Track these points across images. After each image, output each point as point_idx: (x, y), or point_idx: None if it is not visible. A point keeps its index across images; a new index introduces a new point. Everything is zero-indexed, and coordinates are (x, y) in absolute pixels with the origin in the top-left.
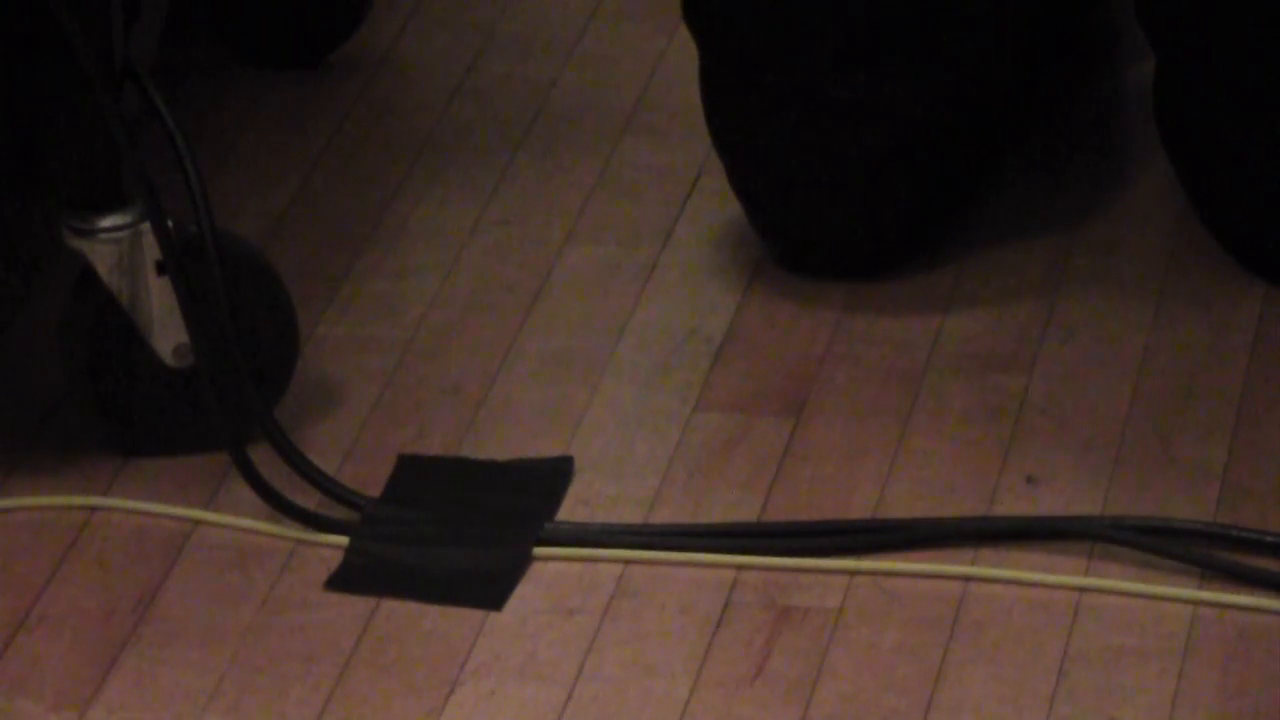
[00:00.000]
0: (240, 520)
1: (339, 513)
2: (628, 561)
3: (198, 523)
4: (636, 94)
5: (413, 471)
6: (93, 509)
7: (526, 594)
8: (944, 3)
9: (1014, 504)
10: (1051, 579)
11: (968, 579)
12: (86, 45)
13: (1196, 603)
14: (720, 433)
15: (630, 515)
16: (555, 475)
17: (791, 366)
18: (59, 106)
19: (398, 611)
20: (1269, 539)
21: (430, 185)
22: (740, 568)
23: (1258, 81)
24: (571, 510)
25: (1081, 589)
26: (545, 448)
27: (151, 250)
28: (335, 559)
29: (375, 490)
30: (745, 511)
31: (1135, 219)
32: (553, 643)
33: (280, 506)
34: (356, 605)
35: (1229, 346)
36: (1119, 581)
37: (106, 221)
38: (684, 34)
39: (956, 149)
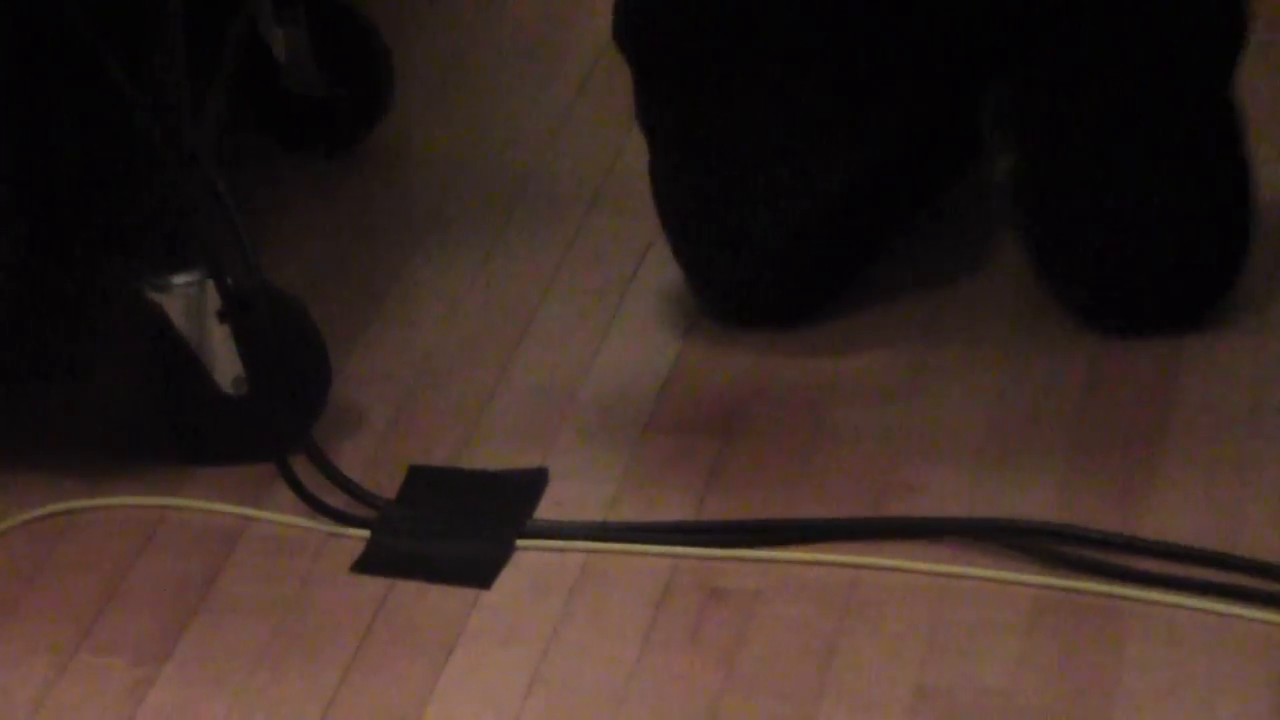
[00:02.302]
0: (283, 517)
1: (361, 511)
2: (591, 552)
3: (249, 519)
4: (600, 179)
5: (420, 479)
6: (166, 508)
7: (510, 577)
8: (854, 107)
9: (897, 507)
10: (926, 566)
11: (859, 567)
12: (167, 144)
13: (1039, 586)
14: (666, 449)
15: (593, 514)
16: (533, 482)
17: (723, 397)
18: (147, 190)
19: (408, 590)
20: (1094, 535)
21: (436, 250)
22: (679, 557)
23: (1095, 181)
24: (546, 510)
25: (949, 575)
26: (526, 460)
27: (214, 302)
28: (358, 548)
29: (390, 493)
30: (684, 512)
31: (994, 283)
32: (530, 615)
33: (315, 506)
34: (375, 585)
35: (1067, 384)
36: (979, 569)
37: (179, 279)
38: (638, 133)
39: (858, 225)
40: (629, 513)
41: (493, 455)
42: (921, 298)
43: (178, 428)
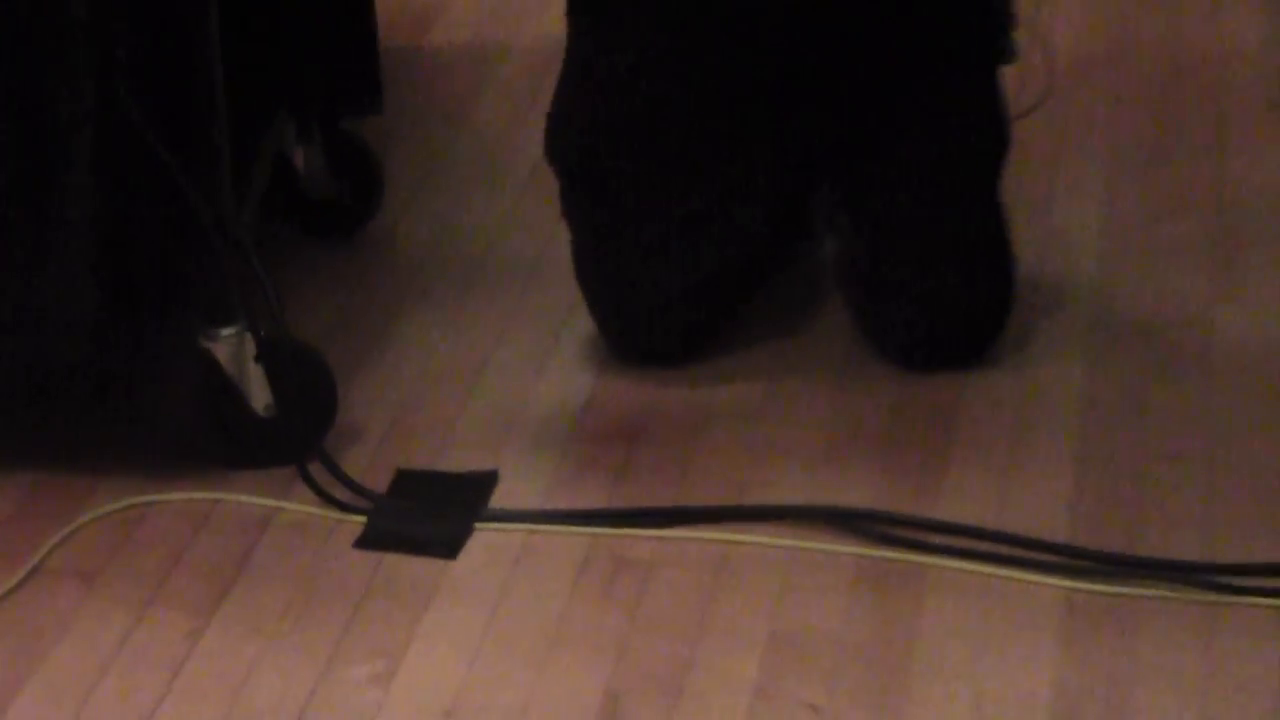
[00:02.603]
0: (302, 506)
1: (361, 503)
2: (530, 531)
3: (277, 508)
4: (537, 258)
5: (405, 478)
6: (215, 500)
7: (470, 550)
8: (725, 208)
9: (755, 497)
10: (776, 541)
11: (727, 542)
12: (218, 232)
13: (860, 556)
14: (586, 454)
15: (531, 504)
16: (488, 480)
17: (627, 417)
18: (202, 265)
19: (395, 560)
20: (900, 517)
21: (415, 310)
22: (595, 535)
23: (898, 259)
24: (497, 500)
25: (793, 548)
26: (482, 464)
27: (250, 349)
28: (358, 530)
29: (383, 489)
30: (599, 502)
31: (824, 332)
32: (485, 578)
33: (326, 499)
34: (371, 557)
35: (880, 406)
36: (816, 543)
37: (225, 332)
38: (563, 225)
39: (725, 293)
40: (558, 502)
41: (458, 461)
42: (772, 344)
43: (224, 441)
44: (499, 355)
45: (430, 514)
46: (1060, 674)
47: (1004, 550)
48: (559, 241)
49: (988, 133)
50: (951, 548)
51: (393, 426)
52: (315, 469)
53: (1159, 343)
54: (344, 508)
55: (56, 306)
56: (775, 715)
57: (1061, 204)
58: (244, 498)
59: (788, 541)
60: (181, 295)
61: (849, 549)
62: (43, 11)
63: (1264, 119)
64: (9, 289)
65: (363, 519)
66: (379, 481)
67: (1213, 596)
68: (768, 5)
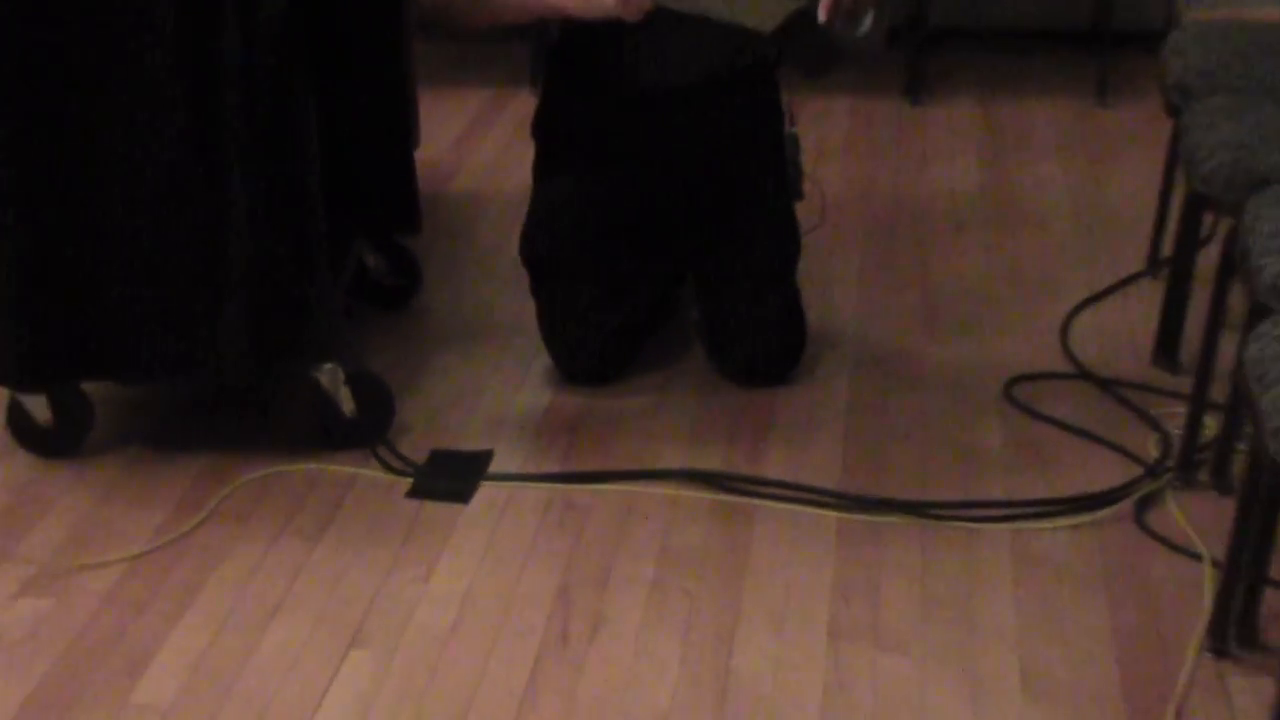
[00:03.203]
0: (373, 472)
1: (410, 470)
2: (514, 487)
3: (357, 474)
4: (516, 317)
5: (437, 455)
6: (321, 469)
7: (476, 498)
8: (629, 285)
9: (650, 464)
10: (662, 491)
11: (635, 494)
12: (321, 304)
13: (716, 500)
14: (547, 440)
15: (514, 469)
16: (487, 456)
17: (573, 416)
18: (312, 325)
19: (431, 505)
20: (740, 475)
21: (441, 354)
22: (553, 489)
23: (736, 319)
24: (493, 469)
25: (675, 496)
26: (483, 446)
27: (341, 377)
28: (407, 486)
29: (422, 461)
30: (555, 468)
31: (689, 364)
32: (486, 517)
33: (388, 468)
34: (415, 504)
35: (724, 409)
36: (688, 492)
37: (326, 366)
38: (532, 300)
39: (628, 340)
40: (530, 469)
41: (468, 444)
42: (658, 371)
43: (325, 433)
44: (493, 380)
45: (451, 476)
46: (836, 570)
47: (801, 495)
48: (529, 309)
49: (787, 242)
50: (770, 494)
51: (428, 424)
52: (381, 450)
53: (893, 369)
54: (399, 473)
55: (227, 354)
56: (665, 596)
57: (833, 286)
58: (338, 468)
59: (670, 492)
60: (299, 344)
61: (708, 495)
62: (222, 196)
63: (952, 235)
64: (200, 342)
65: (410, 480)
66: (420, 457)
67: (927, 522)
68: (649, 172)
